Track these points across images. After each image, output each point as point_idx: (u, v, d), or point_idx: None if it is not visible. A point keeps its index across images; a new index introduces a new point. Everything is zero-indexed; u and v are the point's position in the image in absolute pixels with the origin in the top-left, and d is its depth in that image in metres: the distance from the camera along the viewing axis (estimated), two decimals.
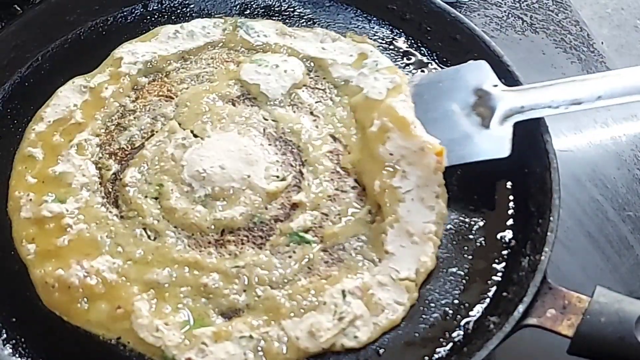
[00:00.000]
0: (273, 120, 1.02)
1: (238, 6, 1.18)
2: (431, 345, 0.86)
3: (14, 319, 0.88)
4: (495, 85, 0.99)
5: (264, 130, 1.01)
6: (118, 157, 0.99)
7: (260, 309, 0.87)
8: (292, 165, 0.98)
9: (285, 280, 0.89)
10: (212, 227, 0.92)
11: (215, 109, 1.02)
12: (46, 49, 1.11)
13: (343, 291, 0.87)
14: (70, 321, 0.87)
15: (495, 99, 0.98)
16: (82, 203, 0.94)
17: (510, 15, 1.32)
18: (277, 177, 0.97)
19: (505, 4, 1.34)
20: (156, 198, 0.95)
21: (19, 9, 1.11)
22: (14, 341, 0.86)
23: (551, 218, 0.89)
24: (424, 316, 0.88)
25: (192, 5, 1.18)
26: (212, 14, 1.17)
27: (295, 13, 1.18)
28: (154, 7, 1.17)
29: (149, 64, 1.07)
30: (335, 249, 0.91)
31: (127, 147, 1.00)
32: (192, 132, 1.00)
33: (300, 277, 0.89)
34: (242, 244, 0.92)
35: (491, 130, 0.96)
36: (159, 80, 1.07)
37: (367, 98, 1.02)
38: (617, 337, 0.78)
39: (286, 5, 1.19)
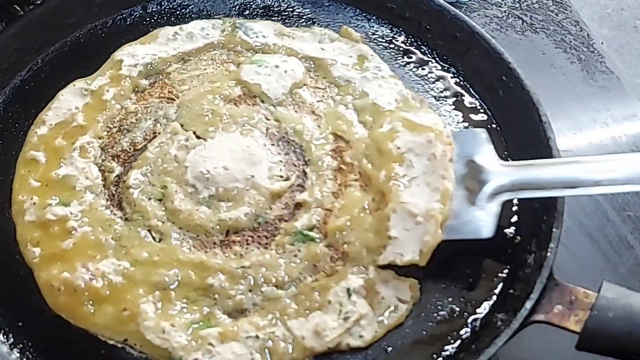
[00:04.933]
0: (275, 120, 1.02)
1: (237, 6, 1.17)
2: (439, 343, 0.86)
3: (20, 323, 0.87)
4: (489, 158, 0.93)
5: (266, 130, 1.01)
6: (121, 160, 0.99)
7: (266, 309, 0.87)
8: (295, 165, 0.98)
9: (291, 280, 0.89)
10: (217, 227, 0.92)
11: (218, 109, 1.02)
12: (46, 52, 1.10)
13: (348, 290, 0.87)
14: (76, 324, 0.86)
15: (486, 174, 0.91)
16: (86, 206, 0.94)
17: (510, 15, 1.32)
18: (281, 177, 0.97)
19: (505, 4, 1.34)
20: (160, 200, 0.94)
21: (19, 9, 1.11)
22: (21, 345, 0.86)
23: (555, 214, 0.89)
24: (431, 314, 0.88)
25: (191, 6, 1.17)
26: (212, 14, 1.16)
27: (295, 13, 1.18)
28: (153, 9, 1.17)
29: (149, 66, 1.07)
30: (340, 244, 0.90)
31: (130, 149, 1.00)
32: (194, 133, 1.00)
33: (306, 276, 0.89)
34: (248, 244, 0.92)
35: (476, 207, 0.90)
36: (160, 82, 1.07)
37: (374, 104, 1.03)
38: (625, 332, 0.78)
39: (285, 5, 1.18)
